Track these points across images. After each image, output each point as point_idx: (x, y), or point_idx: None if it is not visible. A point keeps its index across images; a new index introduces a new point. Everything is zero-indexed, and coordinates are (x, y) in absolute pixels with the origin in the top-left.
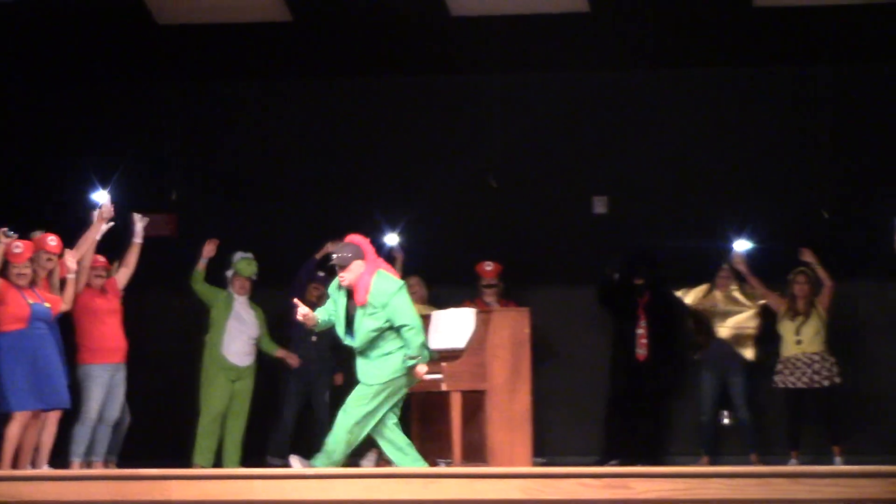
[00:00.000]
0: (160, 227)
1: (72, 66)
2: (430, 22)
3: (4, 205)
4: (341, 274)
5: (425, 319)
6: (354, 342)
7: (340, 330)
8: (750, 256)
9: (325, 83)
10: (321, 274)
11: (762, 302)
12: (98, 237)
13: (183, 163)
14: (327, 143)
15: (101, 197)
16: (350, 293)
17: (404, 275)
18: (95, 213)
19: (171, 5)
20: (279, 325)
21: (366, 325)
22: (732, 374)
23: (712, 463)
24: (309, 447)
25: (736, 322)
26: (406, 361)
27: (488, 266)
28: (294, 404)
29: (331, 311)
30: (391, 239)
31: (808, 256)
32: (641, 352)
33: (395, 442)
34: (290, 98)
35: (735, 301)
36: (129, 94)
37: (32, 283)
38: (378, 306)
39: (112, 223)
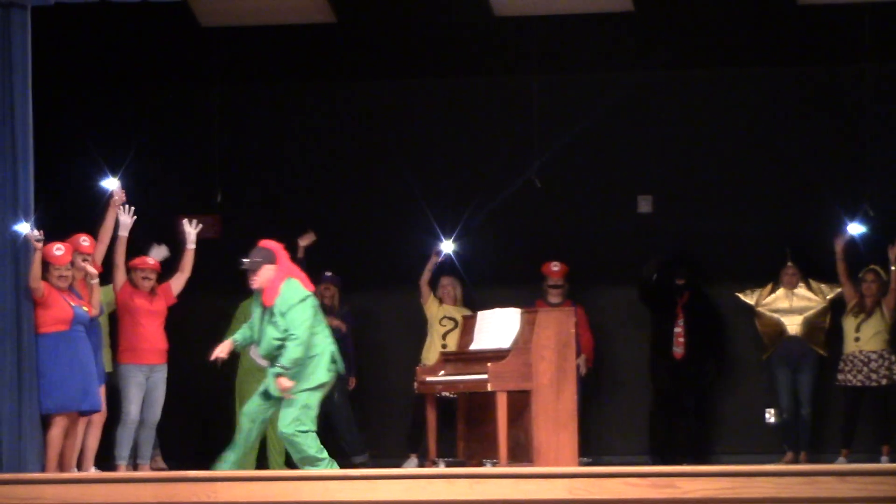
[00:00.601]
0: (205, 228)
1: (117, 69)
2: (474, 23)
3: (48, 205)
4: (252, 278)
5: (469, 319)
6: (261, 347)
7: (256, 335)
8: (857, 243)
9: (369, 85)
10: (328, 274)
11: (830, 296)
12: (114, 223)
13: (227, 164)
14: (371, 145)
15: (110, 184)
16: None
17: (438, 274)
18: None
19: (215, 8)
20: None
21: (268, 332)
22: (802, 370)
23: (792, 461)
24: (332, 448)
25: (808, 318)
26: (275, 369)
27: (555, 266)
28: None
29: (251, 324)
30: (447, 247)
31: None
32: (679, 350)
33: (249, 440)
34: (335, 100)
35: (803, 297)
36: (174, 96)
37: (71, 287)
38: (278, 314)
39: (133, 215)
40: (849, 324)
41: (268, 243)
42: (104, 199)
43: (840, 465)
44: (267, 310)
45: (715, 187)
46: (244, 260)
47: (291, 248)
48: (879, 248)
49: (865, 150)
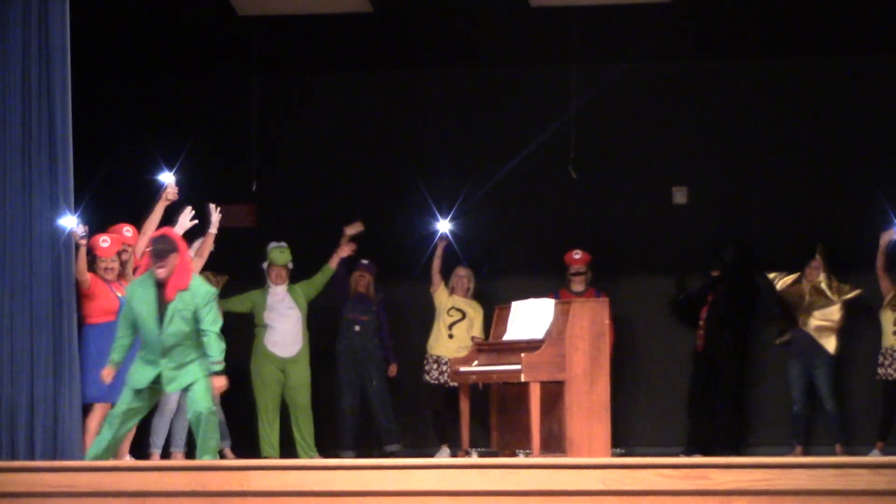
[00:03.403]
0: (241, 217)
1: (154, 58)
2: (510, 12)
3: (87, 195)
4: (159, 265)
5: (503, 310)
6: (166, 340)
7: (153, 327)
8: None
9: (404, 74)
10: (364, 261)
11: (847, 297)
12: (160, 217)
13: (263, 154)
14: (408, 134)
15: (166, 178)
16: (160, 287)
17: (455, 263)
18: (161, 195)
19: None
20: (326, 316)
21: (175, 325)
22: (817, 365)
23: (802, 453)
24: (370, 437)
25: (822, 314)
26: (212, 368)
27: (576, 254)
28: (348, 395)
29: (129, 324)
30: (443, 226)
31: None
32: (699, 343)
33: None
34: (370, 89)
35: (821, 293)
36: (211, 86)
37: (121, 276)
38: (188, 306)
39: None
40: (887, 317)
41: (170, 231)
42: (158, 193)
43: (874, 458)
44: (170, 303)
45: (752, 179)
46: (151, 247)
47: (333, 235)
48: None
49: None
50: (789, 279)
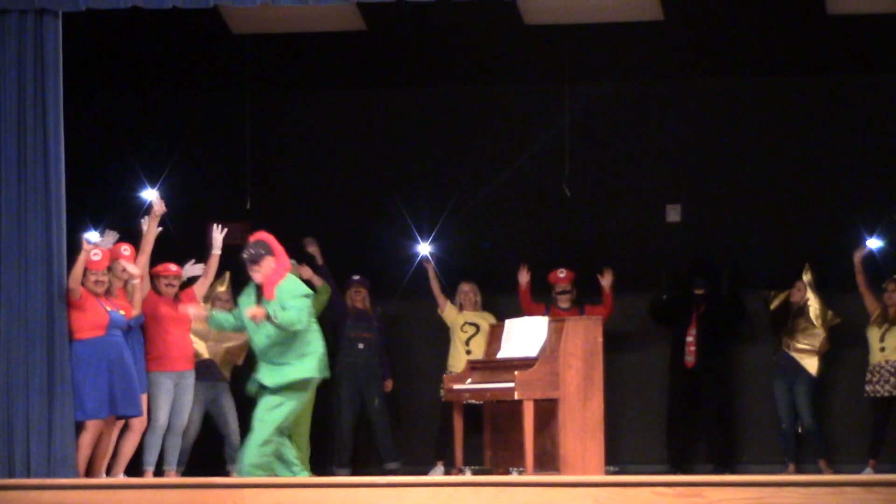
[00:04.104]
0: (235, 235)
1: (147, 75)
2: (504, 31)
3: (78, 211)
4: (253, 269)
5: (497, 328)
6: (258, 343)
7: (251, 328)
8: (876, 257)
9: (398, 92)
10: (357, 277)
11: (832, 324)
12: (154, 235)
13: (257, 171)
14: (401, 152)
15: (150, 195)
16: (260, 291)
17: (457, 280)
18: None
19: (245, 15)
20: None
21: (265, 328)
22: (798, 383)
23: (795, 471)
24: (368, 454)
25: (805, 338)
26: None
27: (561, 273)
28: (348, 413)
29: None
30: (423, 248)
31: None
32: (690, 359)
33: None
34: (365, 107)
35: (806, 317)
36: (204, 103)
37: (108, 292)
38: (277, 307)
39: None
40: (873, 334)
41: (265, 235)
42: (143, 210)
43: (867, 476)
44: (266, 303)
45: (744, 197)
46: (245, 252)
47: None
48: None
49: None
50: (780, 298)
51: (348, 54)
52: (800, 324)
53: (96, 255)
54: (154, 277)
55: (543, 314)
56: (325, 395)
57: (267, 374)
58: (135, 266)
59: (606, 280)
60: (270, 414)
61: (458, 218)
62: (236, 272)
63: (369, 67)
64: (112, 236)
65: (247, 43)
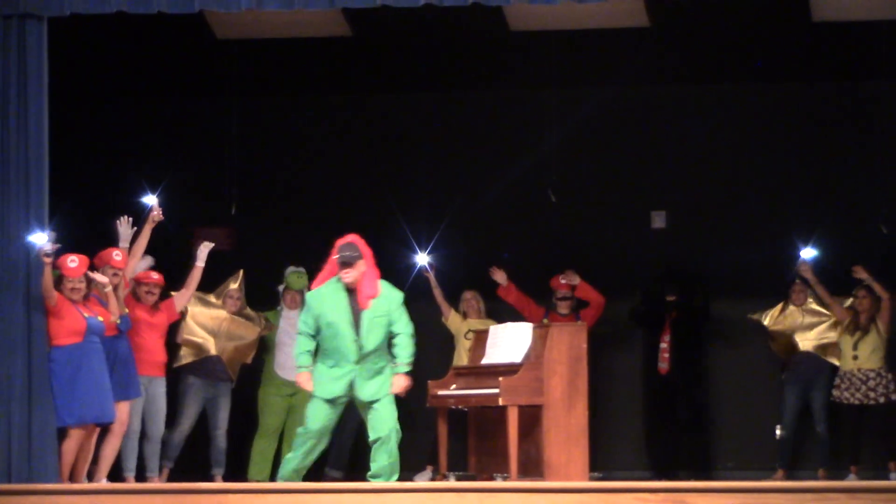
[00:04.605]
0: (220, 240)
1: (132, 80)
2: (490, 37)
3: (66, 217)
4: (346, 271)
5: (482, 334)
6: (366, 346)
7: (348, 334)
8: (817, 265)
9: (384, 98)
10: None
11: (847, 304)
12: (147, 240)
13: (242, 177)
14: (386, 157)
15: (150, 200)
16: (351, 294)
17: (460, 288)
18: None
19: (231, 20)
20: None
21: (375, 332)
22: (816, 387)
23: (783, 479)
24: (365, 459)
25: (818, 333)
26: (397, 368)
27: (563, 278)
28: (349, 418)
29: (314, 330)
30: (421, 259)
31: (860, 273)
32: (663, 365)
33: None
34: (350, 113)
35: (814, 313)
36: (189, 108)
37: (85, 298)
38: (383, 313)
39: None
40: (846, 342)
41: (355, 238)
42: (143, 215)
43: (850, 482)
44: (364, 311)
45: (729, 204)
46: (340, 253)
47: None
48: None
49: (883, 167)
50: (775, 311)
51: (334, 60)
52: (812, 320)
53: (73, 262)
54: (136, 283)
55: (542, 318)
56: None
57: (370, 387)
58: (103, 276)
59: (571, 279)
60: (394, 417)
61: (451, 224)
62: (246, 272)
63: (355, 73)
64: (148, 261)
65: (232, 48)
